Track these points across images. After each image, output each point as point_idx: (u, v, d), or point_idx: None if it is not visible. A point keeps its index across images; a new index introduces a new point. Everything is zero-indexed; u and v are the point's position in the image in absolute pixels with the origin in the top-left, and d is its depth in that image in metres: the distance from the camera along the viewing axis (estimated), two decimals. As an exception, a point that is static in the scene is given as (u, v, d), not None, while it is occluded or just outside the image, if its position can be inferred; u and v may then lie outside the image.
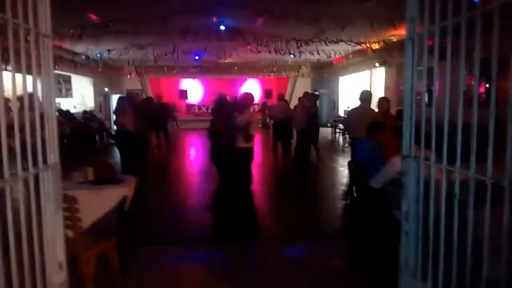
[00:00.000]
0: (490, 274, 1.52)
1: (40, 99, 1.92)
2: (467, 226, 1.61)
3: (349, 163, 4.15)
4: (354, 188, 4.16)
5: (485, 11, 1.46)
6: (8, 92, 1.61)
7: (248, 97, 5.24)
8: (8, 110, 1.66)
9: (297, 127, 9.22)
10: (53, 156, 1.93)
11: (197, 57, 15.16)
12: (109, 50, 12.39)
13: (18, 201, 1.59)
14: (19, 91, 1.66)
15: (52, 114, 1.94)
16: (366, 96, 6.66)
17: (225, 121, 4.93)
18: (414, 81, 2.00)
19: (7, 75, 1.57)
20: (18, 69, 1.62)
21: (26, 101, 1.75)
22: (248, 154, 4.96)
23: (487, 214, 1.45)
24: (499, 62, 1.45)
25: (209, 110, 20.00)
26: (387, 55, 12.44)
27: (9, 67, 1.64)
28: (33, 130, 1.76)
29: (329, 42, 10.94)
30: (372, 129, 4.07)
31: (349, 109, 11.19)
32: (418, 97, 2.02)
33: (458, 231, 1.67)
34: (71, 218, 2.57)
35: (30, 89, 1.80)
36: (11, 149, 1.58)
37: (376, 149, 3.81)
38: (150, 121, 7.35)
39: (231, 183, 4.98)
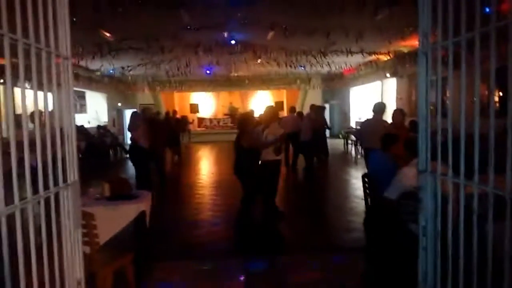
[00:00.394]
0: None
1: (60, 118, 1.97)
2: (486, 242, 1.58)
3: (363, 176, 4.13)
4: (368, 200, 4.11)
5: (498, 26, 1.47)
6: (29, 111, 1.66)
7: (274, 110, 5.32)
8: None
9: (303, 139, 9.32)
10: (73, 174, 1.97)
11: (208, 71, 15.36)
12: (122, 67, 12.65)
13: (39, 217, 1.62)
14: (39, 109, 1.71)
15: (72, 133, 1.99)
16: (379, 108, 6.69)
17: (253, 135, 4.97)
18: (429, 94, 2.00)
19: (28, 93, 1.62)
20: (39, 89, 1.68)
21: (48, 120, 1.80)
22: (277, 166, 5.04)
23: (508, 230, 1.43)
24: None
25: (221, 124, 20.26)
26: (398, 65, 12.43)
27: (28, 86, 1.69)
28: (53, 148, 1.81)
29: (340, 54, 10.99)
30: (387, 141, 4.05)
31: (361, 120, 11.16)
32: (431, 107, 2.02)
33: (478, 247, 1.64)
34: (88, 234, 2.60)
35: (50, 108, 1.86)
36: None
37: (390, 161, 3.79)
38: (165, 136, 7.37)
39: (256, 196, 5.02)
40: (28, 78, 1.61)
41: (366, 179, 4.07)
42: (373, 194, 3.90)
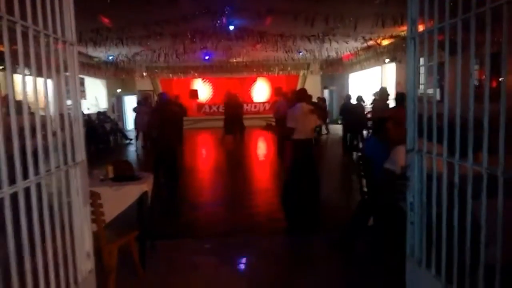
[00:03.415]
0: (488, 259, 1.63)
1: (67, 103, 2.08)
2: (467, 215, 1.71)
3: (358, 159, 4.25)
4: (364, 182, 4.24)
5: (478, 12, 1.57)
6: (37, 96, 1.77)
7: (302, 93, 5.50)
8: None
9: None
10: (80, 154, 2.10)
11: (207, 57, 15.36)
12: (121, 53, 12.66)
13: (52, 194, 1.75)
14: (46, 95, 1.82)
15: (79, 117, 2.10)
16: (382, 93, 6.84)
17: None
18: (416, 78, 2.11)
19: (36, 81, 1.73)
20: (48, 75, 1.79)
21: (55, 104, 1.91)
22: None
23: (484, 204, 1.56)
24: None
25: (220, 110, 20.28)
26: (397, 50, 12.46)
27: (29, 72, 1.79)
28: (62, 131, 1.93)
29: (338, 39, 11.01)
30: (379, 126, 4.16)
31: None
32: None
33: (460, 220, 1.77)
34: (95, 212, 2.73)
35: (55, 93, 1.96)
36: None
37: (385, 146, 3.90)
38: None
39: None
40: (35, 64, 1.71)
41: (361, 161, 4.19)
42: (370, 179, 4.01)
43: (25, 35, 1.64)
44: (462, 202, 1.76)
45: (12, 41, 1.53)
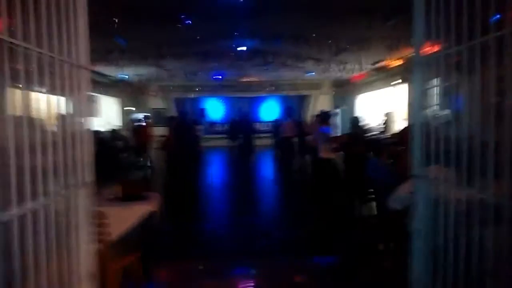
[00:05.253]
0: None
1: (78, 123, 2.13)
2: (472, 244, 1.68)
3: (366, 183, 4.21)
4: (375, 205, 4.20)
5: (483, 41, 1.58)
6: (48, 115, 1.82)
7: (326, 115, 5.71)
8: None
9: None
10: (88, 175, 2.13)
11: (219, 77, 15.58)
12: (135, 72, 12.93)
13: (60, 213, 1.78)
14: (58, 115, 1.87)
15: (88, 138, 2.14)
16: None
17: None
18: (421, 102, 2.12)
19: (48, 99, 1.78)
20: (60, 96, 1.84)
21: (67, 124, 1.96)
22: None
23: (490, 233, 1.54)
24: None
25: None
26: (408, 71, 12.48)
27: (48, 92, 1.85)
28: (71, 151, 1.97)
29: (349, 61, 11.10)
30: (375, 148, 4.15)
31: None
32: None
33: (466, 249, 1.74)
34: (101, 232, 2.75)
35: (67, 114, 2.02)
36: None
37: (385, 167, 3.87)
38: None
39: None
40: (49, 86, 1.77)
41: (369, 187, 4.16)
42: (376, 201, 3.98)
43: (39, 60, 1.70)
44: (469, 230, 1.73)
45: (27, 60, 1.60)
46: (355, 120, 6.72)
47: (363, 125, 10.60)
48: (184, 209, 6.43)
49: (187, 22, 6.68)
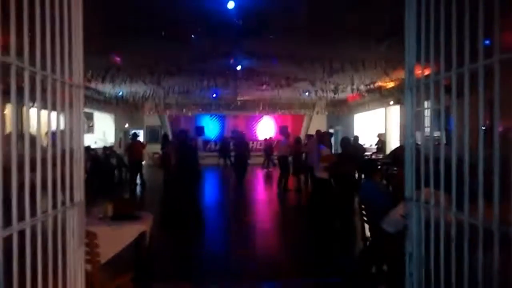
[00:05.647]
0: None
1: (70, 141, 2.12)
2: (464, 269, 1.67)
3: (359, 204, 4.21)
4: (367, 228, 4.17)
5: (472, 68, 1.61)
6: (40, 132, 1.81)
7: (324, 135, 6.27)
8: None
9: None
10: (79, 195, 2.10)
11: (214, 95, 15.68)
12: (130, 90, 12.97)
13: (46, 233, 1.74)
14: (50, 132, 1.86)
15: (80, 156, 2.13)
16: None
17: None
18: (414, 127, 2.13)
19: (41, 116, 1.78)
20: (52, 112, 1.84)
21: (59, 142, 1.95)
22: None
23: (480, 258, 1.53)
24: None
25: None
26: (401, 93, 12.65)
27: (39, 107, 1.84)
28: (62, 169, 1.95)
29: (343, 82, 11.25)
30: (368, 169, 4.15)
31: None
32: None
33: (457, 273, 1.73)
34: (91, 253, 2.70)
35: (59, 132, 2.01)
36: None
37: (379, 188, 3.88)
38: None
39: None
40: (41, 100, 1.77)
41: (363, 206, 4.15)
42: (369, 223, 3.96)
43: (32, 78, 1.70)
44: (461, 255, 1.72)
45: (20, 77, 1.60)
46: (345, 140, 6.78)
47: (358, 146, 10.66)
48: (181, 228, 6.36)
49: (193, 37, 6.77)
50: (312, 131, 16.97)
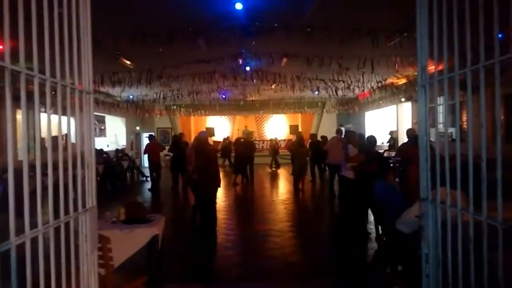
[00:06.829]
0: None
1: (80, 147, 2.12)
2: (483, 270, 1.63)
3: (372, 204, 4.15)
4: (379, 229, 4.12)
5: (487, 64, 1.57)
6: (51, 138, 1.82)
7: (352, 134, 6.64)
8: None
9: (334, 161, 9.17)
10: (91, 200, 2.11)
11: (223, 96, 15.70)
12: (141, 93, 13.05)
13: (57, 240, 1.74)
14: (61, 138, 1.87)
15: (92, 162, 2.13)
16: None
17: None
18: (427, 125, 2.09)
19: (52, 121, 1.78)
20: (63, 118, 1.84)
21: (70, 147, 1.95)
22: None
23: (500, 257, 1.48)
24: None
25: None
26: (412, 90, 12.46)
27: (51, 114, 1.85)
28: (74, 174, 1.95)
29: (353, 80, 11.15)
30: (383, 169, 4.09)
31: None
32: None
33: (476, 273, 1.68)
34: (104, 257, 2.71)
35: (72, 138, 2.01)
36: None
37: (394, 189, 3.82)
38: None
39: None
40: (52, 105, 1.77)
41: (377, 206, 4.09)
42: (383, 224, 3.91)
43: (42, 85, 1.70)
44: (479, 254, 1.68)
45: (30, 82, 1.60)
46: (371, 139, 6.46)
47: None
48: (200, 229, 6.33)
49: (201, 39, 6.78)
50: (322, 130, 16.90)
